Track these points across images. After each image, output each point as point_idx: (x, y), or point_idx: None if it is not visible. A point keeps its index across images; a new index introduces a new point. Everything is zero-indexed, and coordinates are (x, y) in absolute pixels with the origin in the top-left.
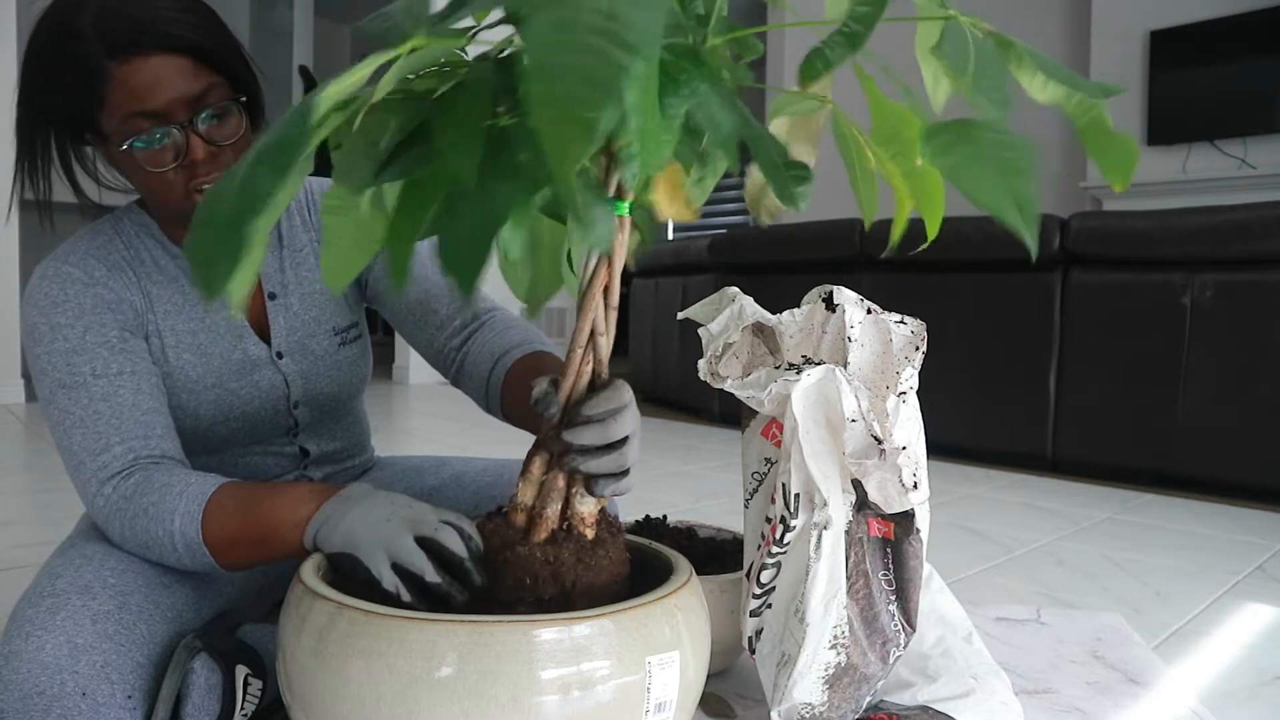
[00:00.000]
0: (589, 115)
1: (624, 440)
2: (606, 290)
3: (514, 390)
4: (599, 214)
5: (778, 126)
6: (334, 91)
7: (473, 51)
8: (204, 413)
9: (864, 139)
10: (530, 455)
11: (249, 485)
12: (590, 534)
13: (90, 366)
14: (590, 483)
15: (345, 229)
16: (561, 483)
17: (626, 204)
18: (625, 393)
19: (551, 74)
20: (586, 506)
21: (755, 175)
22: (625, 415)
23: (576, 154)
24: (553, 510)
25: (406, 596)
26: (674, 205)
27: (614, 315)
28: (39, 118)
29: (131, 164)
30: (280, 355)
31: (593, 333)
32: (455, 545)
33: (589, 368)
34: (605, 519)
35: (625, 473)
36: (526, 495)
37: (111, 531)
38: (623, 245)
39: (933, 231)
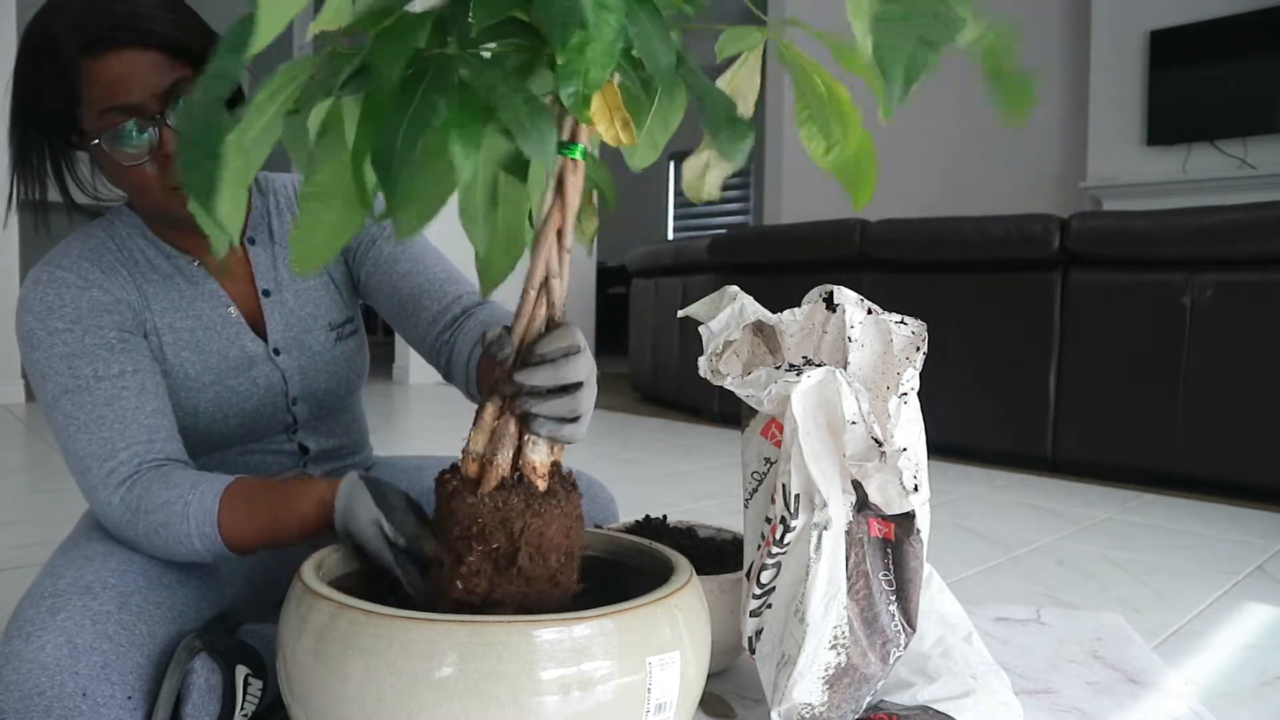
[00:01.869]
0: None
1: (578, 385)
2: (560, 233)
3: (485, 370)
4: (540, 125)
5: (722, 83)
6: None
7: None
8: (203, 410)
9: (815, 65)
10: (483, 402)
11: (249, 498)
12: (542, 485)
13: (92, 369)
14: (534, 422)
15: (322, 215)
16: (513, 429)
17: (579, 148)
18: (578, 335)
19: None
20: (538, 455)
21: (692, 162)
22: (579, 359)
23: None
24: (503, 457)
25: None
26: (612, 127)
27: (568, 258)
28: (28, 121)
29: (109, 161)
30: (277, 351)
31: (547, 276)
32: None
33: (543, 311)
34: (559, 473)
35: (576, 419)
36: (478, 443)
37: (124, 538)
38: (576, 188)
39: (862, 201)
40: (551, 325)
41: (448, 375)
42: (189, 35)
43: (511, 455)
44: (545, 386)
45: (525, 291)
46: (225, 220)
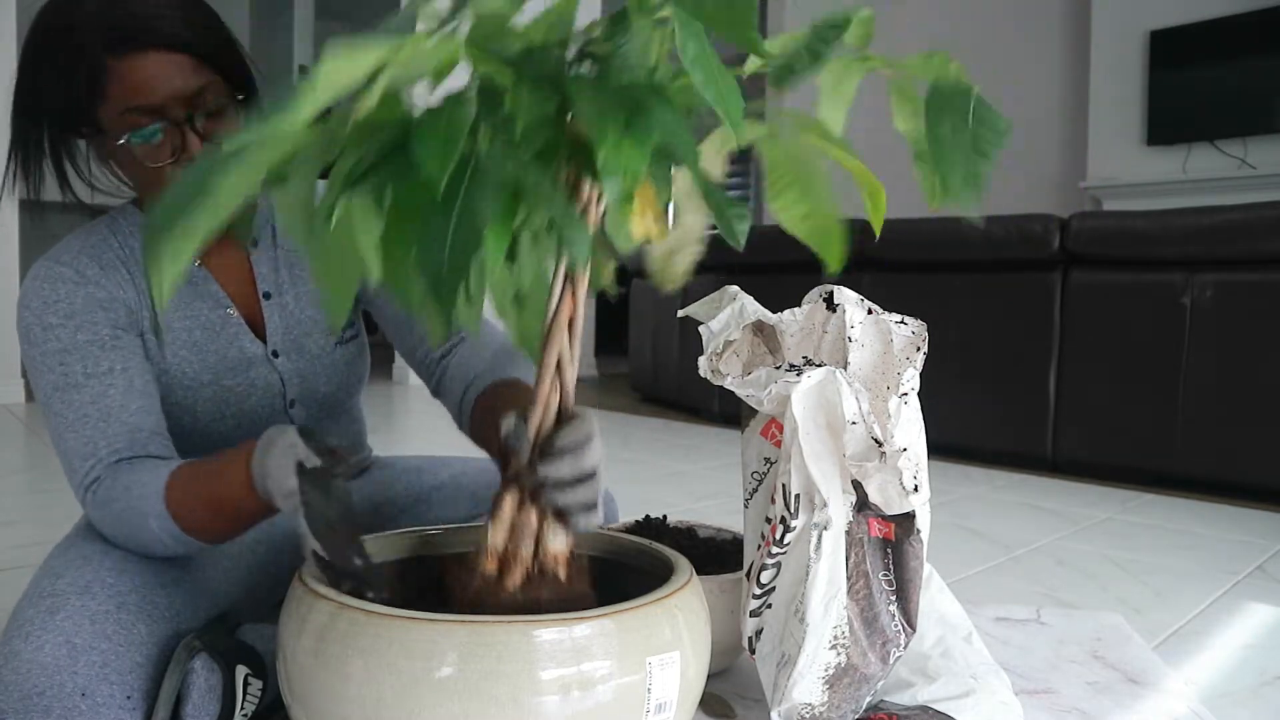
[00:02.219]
0: None
1: (594, 473)
2: (571, 322)
3: (481, 417)
4: (576, 228)
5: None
6: (335, 80)
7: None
8: (200, 410)
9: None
10: (499, 496)
11: (193, 475)
12: (563, 573)
13: (82, 365)
14: (563, 517)
15: (330, 280)
16: (534, 520)
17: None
18: (593, 423)
19: None
20: (558, 544)
21: (658, 252)
22: (594, 446)
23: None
24: (526, 550)
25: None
26: (644, 222)
27: (578, 345)
28: (34, 112)
29: (128, 159)
30: (276, 354)
31: (559, 363)
32: (312, 547)
33: (556, 399)
34: (573, 558)
35: (594, 506)
36: (498, 538)
37: (105, 531)
38: (585, 278)
39: (835, 268)
40: (564, 413)
41: (436, 394)
42: (212, 39)
43: (532, 546)
44: (570, 478)
45: (539, 382)
46: (167, 274)
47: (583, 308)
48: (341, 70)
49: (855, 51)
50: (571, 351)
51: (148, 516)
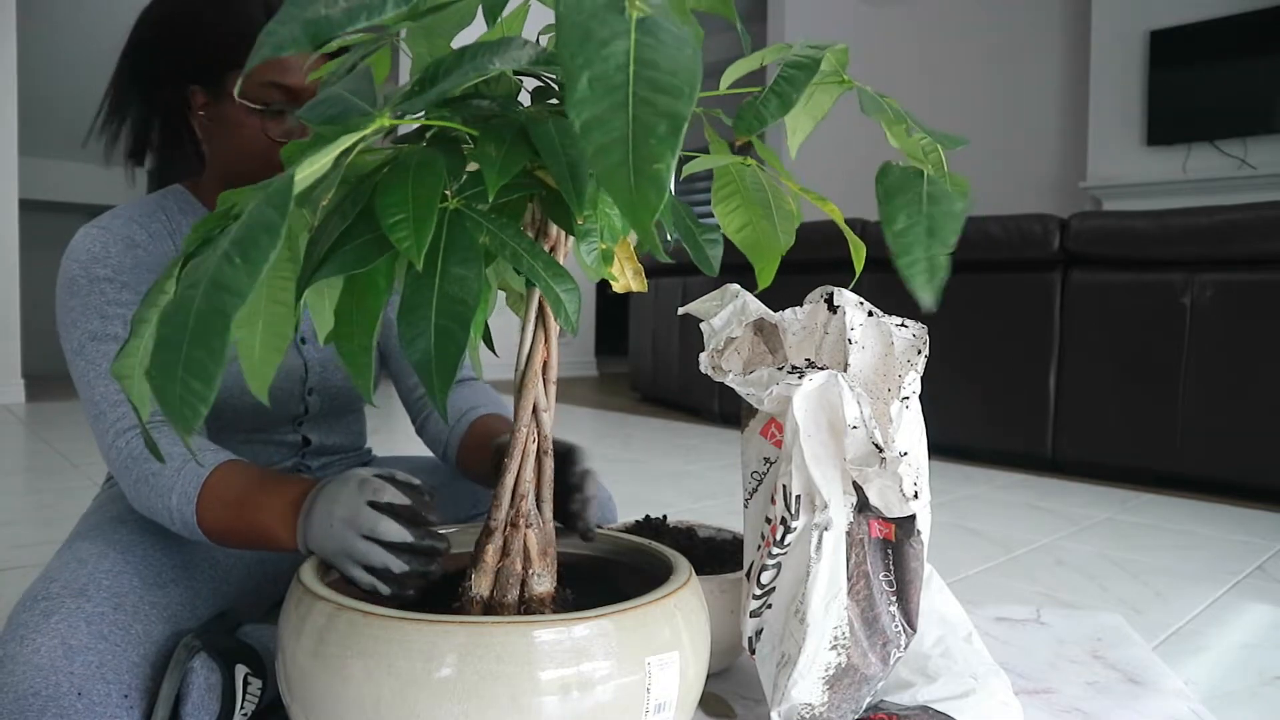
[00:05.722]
0: (658, 166)
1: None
2: (546, 366)
3: (468, 450)
4: (566, 285)
5: None
6: (307, 174)
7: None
8: (224, 382)
9: (777, 189)
10: (481, 546)
11: (241, 478)
12: (549, 613)
13: (122, 321)
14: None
15: (252, 339)
16: (519, 567)
17: None
18: (585, 454)
19: (608, 132)
20: (544, 586)
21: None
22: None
23: (654, 204)
24: (513, 597)
25: (387, 590)
26: (624, 276)
27: (553, 389)
28: (152, 63)
29: (239, 121)
30: (304, 340)
31: (535, 408)
32: (394, 534)
33: (534, 445)
34: (556, 598)
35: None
36: (482, 587)
37: (122, 484)
38: (554, 324)
39: (765, 281)
40: (546, 447)
41: (420, 431)
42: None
43: (518, 592)
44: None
45: (515, 429)
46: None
47: (555, 351)
48: (310, 168)
49: (831, 74)
50: (548, 397)
51: (173, 492)
